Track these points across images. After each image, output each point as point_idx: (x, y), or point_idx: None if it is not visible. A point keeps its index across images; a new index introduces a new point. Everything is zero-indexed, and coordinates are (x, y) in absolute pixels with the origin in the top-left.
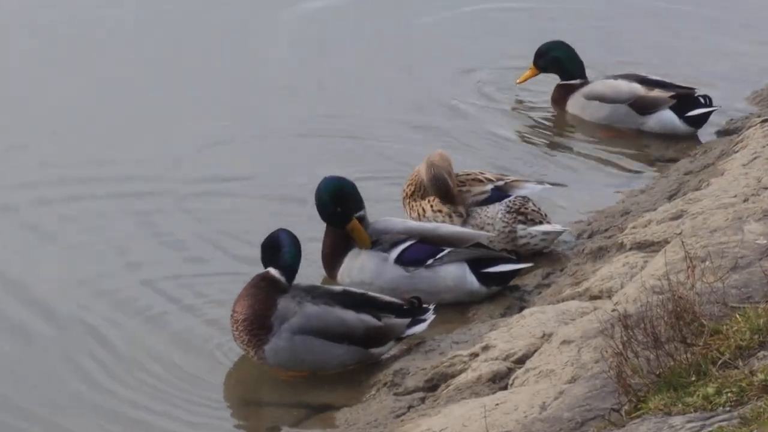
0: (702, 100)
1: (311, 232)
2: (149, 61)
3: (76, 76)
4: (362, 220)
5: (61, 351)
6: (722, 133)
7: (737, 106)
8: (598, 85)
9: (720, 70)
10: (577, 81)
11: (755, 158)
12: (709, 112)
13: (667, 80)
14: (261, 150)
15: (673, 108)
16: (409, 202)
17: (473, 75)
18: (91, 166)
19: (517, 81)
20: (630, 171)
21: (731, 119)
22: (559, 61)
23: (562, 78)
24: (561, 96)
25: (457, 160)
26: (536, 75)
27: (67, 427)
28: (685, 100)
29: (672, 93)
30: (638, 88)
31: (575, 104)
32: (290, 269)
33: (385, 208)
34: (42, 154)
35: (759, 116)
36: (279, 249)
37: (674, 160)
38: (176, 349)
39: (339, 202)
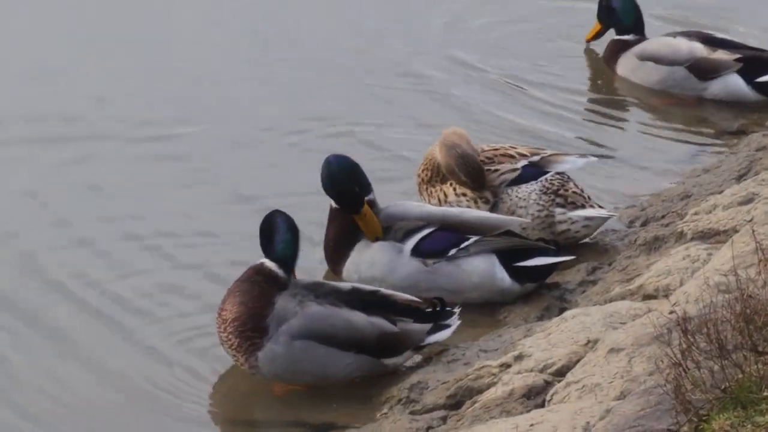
0: None
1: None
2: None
3: None
4: (372, 205)
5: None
6: None
7: None
8: (652, 42)
9: None
10: (632, 37)
11: None
12: None
13: (737, 40)
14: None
15: (740, 72)
16: (427, 188)
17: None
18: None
19: (586, 38)
20: (691, 145)
21: None
22: (614, 12)
23: (618, 32)
24: (612, 54)
25: (477, 136)
26: (602, 30)
27: None
28: (754, 63)
29: (738, 55)
30: (699, 48)
31: (626, 65)
32: (285, 261)
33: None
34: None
35: None
36: (272, 236)
37: (743, 133)
38: (145, 358)
39: (356, 182)
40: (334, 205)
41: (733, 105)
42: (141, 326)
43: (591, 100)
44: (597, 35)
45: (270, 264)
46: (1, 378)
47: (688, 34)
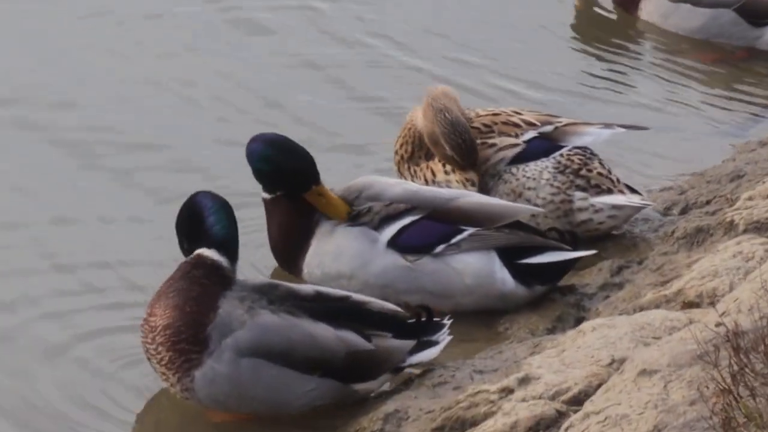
0: None
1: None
2: None
3: None
4: None
5: None
6: None
7: None
8: None
9: None
10: None
11: None
12: None
13: None
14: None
15: None
16: (409, 167)
17: None
18: None
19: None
20: (743, 113)
21: None
22: None
23: None
24: None
25: (469, 99)
26: None
27: None
28: None
29: None
30: None
31: (653, 8)
32: (227, 245)
33: None
34: None
35: None
36: (202, 219)
37: None
38: (59, 380)
39: (294, 163)
40: (267, 195)
41: None
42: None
43: (607, 57)
44: None
45: (209, 253)
46: None
47: None
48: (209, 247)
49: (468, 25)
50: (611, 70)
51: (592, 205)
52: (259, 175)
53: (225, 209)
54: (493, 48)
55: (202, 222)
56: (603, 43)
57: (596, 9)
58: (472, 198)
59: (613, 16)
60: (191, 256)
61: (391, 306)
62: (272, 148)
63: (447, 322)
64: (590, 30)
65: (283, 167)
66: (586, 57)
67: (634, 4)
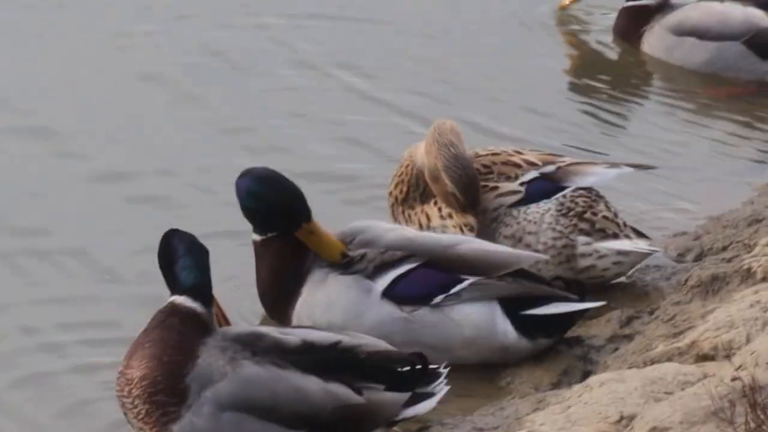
0: None
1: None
2: None
3: None
4: None
5: None
6: None
7: None
8: (691, 11)
9: None
10: (653, 1)
11: None
12: None
13: None
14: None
15: None
16: (404, 211)
17: None
18: None
19: (560, 4)
20: (760, 152)
21: None
22: None
23: None
24: (631, 26)
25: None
26: None
27: None
28: None
29: None
30: (759, 16)
31: (656, 41)
32: (195, 289)
33: None
34: None
35: None
36: (172, 263)
37: None
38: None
39: (284, 199)
40: (258, 237)
41: None
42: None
43: (610, 92)
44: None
45: (182, 299)
46: None
47: None
48: (180, 293)
49: (454, 56)
50: (615, 108)
51: (597, 251)
52: (248, 213)
53: (193, 251)
54: (492, 86)
55: (172, 266)
56: (605, 78)
57: (596, 43)
58: (472, 244)
59: (613, 51)
60: (165, 304)
61: (384, 345)
62: (262, 184)
63: (443, 371)
64: (590, 64)
65: (273, 204)
66: (587, 93)
67: (636, 36)
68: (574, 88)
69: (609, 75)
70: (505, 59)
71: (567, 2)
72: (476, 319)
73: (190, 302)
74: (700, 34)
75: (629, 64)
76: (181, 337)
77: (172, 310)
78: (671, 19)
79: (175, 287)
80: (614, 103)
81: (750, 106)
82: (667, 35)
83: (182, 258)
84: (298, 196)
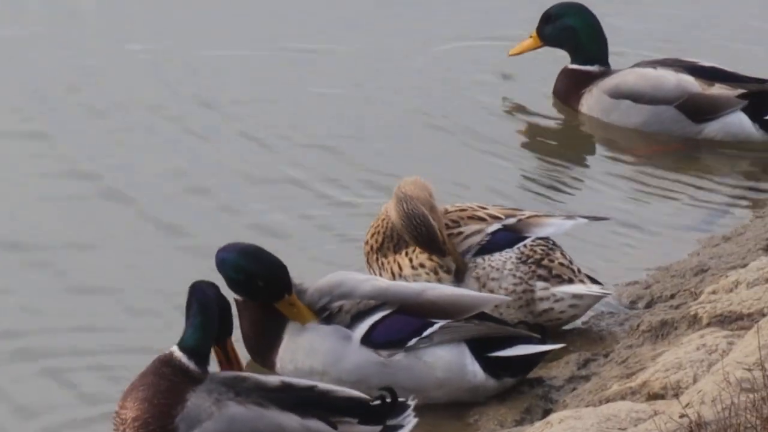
0: None
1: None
2: None
3: None
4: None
5: None
6: None
7: None
8: (628, 76)
9: None
10: (596, 68)
11: None
12: None
13: (728, 68)
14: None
15: (745, 110)
16: (378, 259)
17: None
18: None
19: (510, 52)
20: (704, 206)
21: None
22: (575, 33)
23: (574, 59)
24: (571, 88)
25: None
26: (538, 47)
27: None
28: (760, 97)
29: (742, 90)
30: (690, 83)
31: (595, 104)
32: (193, 351)
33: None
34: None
35: None
36: (187, 315)
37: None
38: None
39: (268, 274)
40: (238, 298)
41: (733, 146)
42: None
43: (556, 152)
44: (524, 51)
45: (179, 354)
46: None
47: (669, 63)
48: (180, 349)
49: (399, 127)
50: (561, 166)
51: (554, 295)
52: (232, 283)
53: (205, 310)
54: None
55: (186, 318)
56: (549, 140)
57: (535, 109)
58: (440, 290)
59: (555, 113)
60: (164, 353)
61: (356, 393)
62: (245, 258)
63: (411, 403)
64: (532, 125)
65: (256, 277)
66: (530, 155)
67: (575, 98)
68: (523, 148)
69: (552, 136)
70: (455, 127)
71: (517, 51)
72: (448, 361)
73: (185, 359)
74: (636, 97)
75: (569, 125)
76: (171, 385)
77: (168, 360)
78: (609, 82)
79: (181, 338)
80: (560, 161)
81: (683, 164)
82: (605, 98)
83: (194, 316)
84: (280, 270)
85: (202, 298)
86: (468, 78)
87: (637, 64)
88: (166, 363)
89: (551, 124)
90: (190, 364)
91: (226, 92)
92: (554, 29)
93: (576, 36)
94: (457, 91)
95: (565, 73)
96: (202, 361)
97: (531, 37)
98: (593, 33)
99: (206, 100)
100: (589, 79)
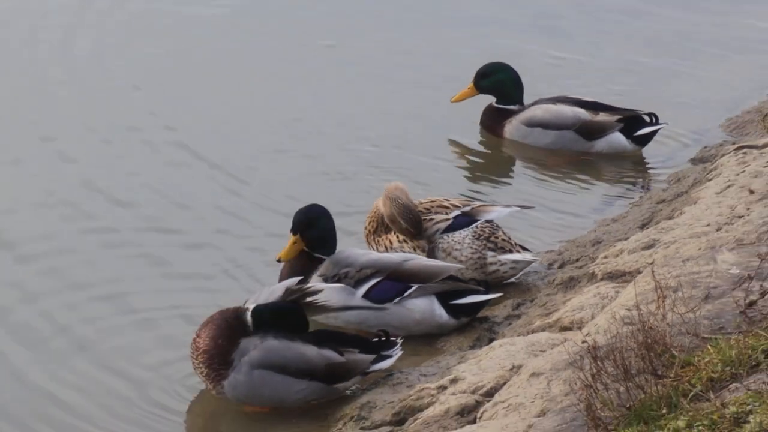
0: (648, 119)
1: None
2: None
3: None
4: (319, 260)
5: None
6: (696, 161)
7: (712, 134)
8: (536, 111)
9: (694, 97)
10: (516, 107)
11: (729, 186)
12: (657, 130)
13: (605, 102)
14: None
15: (621, 130)
16: (374, 238)
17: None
18: None
19: (453, 99)
20: (601, 197)
21: (705, 147)
22: (503, 84)
23: (499, 101)
24: (496, 121)
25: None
26: (474, 95)
27: None
28: (630, 121)
29: (619, 116)
30: (582, 113)
31: (515, 131)
32: (260, 322)
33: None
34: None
35: (733, 143)
36: (272, 301)
37: (633, 179)
38: (136, 378)
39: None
40: (283, 260)
41: (614, 157)
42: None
43: (486, 161)
44: (464, 98)
45: (248, 316)
46: None
47: (561, 100)
48: (252, 312)
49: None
50: (498, 171)
51: (499, 261)
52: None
53: (279, 311)
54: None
55: (268, 301)
56: (483, 155)
57: (469, 133)
58: (416, 261)
59: (482, 138)
60: (241, 307)
61: (356, 335)
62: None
63: (399, 341)
64: (467, 148)
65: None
66: (473, 163)
67: (499, 128)
68: (458, 164)
69: (485, 152)
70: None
71: (457, 98)
72: (422, 308)
73: (249, 322)
74: (544, 125)
75: (492, 144)
76: (232, 332)
77: (238, 314)
78: (524, 115)
79: (257, 306)
80: (494, 169)
81: (581, 169)
82: (522, 127)
83: (276, 306)
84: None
85: (282, 305)
86: (419, 107)
87: (537, 102)
88: (236, 316)
89: (482, 144)
90: (250, 326)
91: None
92: (489, 82)
93: (504, 86)
94: (419, 120)
95: (492, 110)
96: (258, 327)
97: (468, 87)
98: (516, 83)
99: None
100: (509, 114)
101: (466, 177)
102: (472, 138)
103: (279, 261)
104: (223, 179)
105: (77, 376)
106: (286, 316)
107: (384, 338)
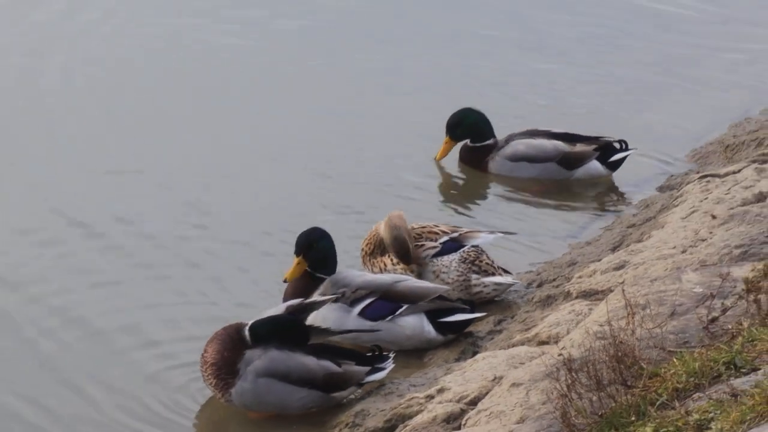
0: (618, 145)
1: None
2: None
3: None
4: (319, 280)
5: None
6: (663, 188)
7: (677, 164)
8: (519, 146)
9: (661, 129)
10: (491, 141)
11: (693, 212)
12: (627, 155)
13: (572, 131)
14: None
15: (597, 158)
16: (370, 260)
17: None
18: None
19: (437, 157)
20: (575, 222)
21: (672, 175)
22: (476, 126)
23: (474, 141)
24: (477, 158)
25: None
26: (454, 146)
27: None
28: (604, 148)
29: (595, 145)
30: (561, 145)
31: (500, 166)
32: (257, 337)
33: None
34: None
35: (697, 172)
36: (269, 315)
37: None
38: (146, 382)
39: (313, 246)
40: (287, 280)
41: (591, 182)
42: (139, 359)
43: (472, 192)
44: (447, 152)
45: (246, 332)
46: None
47: (536, 134)
48: (249, 328)
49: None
50: (482, 202)
51: (483, 283)
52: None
53: (276, 323)
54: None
55: (265, 316)
56: (469, 186)
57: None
58: (407, 283)
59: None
60: (241, 323)
61: (352, 349)
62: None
63: (391, 355)
64: (454, 179)
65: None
66: (465, 198)
67: (483, 164)
68: (456, 195)
69: (470, 185)
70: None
71: (441, 155)
72: (413, 325)
73: (247, 335)
74: (530, 159)
75: (476, 178)
76: (234, 345)
77: (238, 330)
78: (506, 151)
79: (253, 322)
80: (480, 199)
81: (560, 197)
82: (506, 162)
83: (272, 320)
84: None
85: (280, 318)
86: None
87: (511, 136)
88: (237, 331)
89: (463, 178)
90: (248, 340)
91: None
92: (462, 130)
93: (476, 128)
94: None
95: (469, 149)
96: (257, 341)
97: (446, 142)
98: (484, 121)
99: None
100: (488, 149)
101: (450, 206)
102: (453, 170)
103: (285, 281)
104: (193, 213)
105: (86, 396)
106: (284, 328)
107: (377, 352)
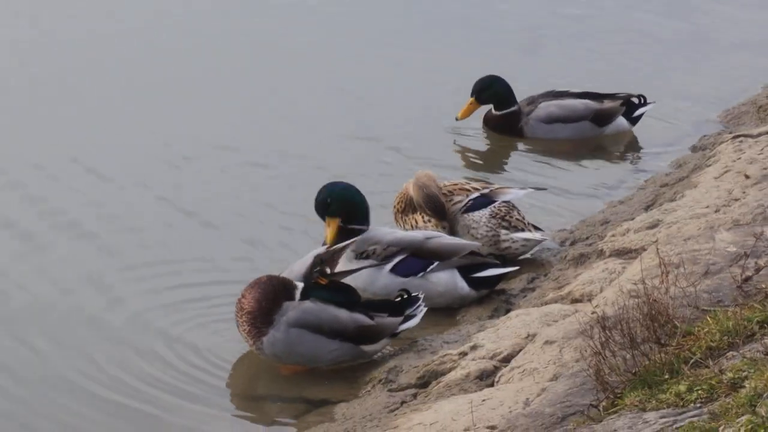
0: (637, 101)
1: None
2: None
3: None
4: (352, 233)
5: (57, 349)
6: (696, 148)
7: (710, 124)
8: (551, 108)
9: (693, 91)
10: (516, 107)
11: (726, 172)
12: (647, 109)
13: (590, 90)
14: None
15: (623, 114)
16: (402, 217)
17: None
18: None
19: (459, 116)
20: (610, 179)
21: (704, 135)
22: (500, 93)
23: (498, 108)
24: (508, 124)
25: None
26: (477, 108)
27: (73, 423)
28: (628, 105)
29: (621, 100)
30: (591, 104)
31: (536, 129)
32: (306, 291)
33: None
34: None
35: (730, 132)
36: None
37: (634, 153)
38: (178, 342)
39: (337, 205)
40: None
41: (621, 143)
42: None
43: (519, 152)
44: (470, 113)
45: (298, 289)
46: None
47: (556, 95)
48: (302, 287)
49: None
50: (521, 159)
51: (511, 238)
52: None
53: (333, 290)
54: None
55: (321, 281)
56: (505, 149)
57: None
58: (438, 240)
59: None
60: (287, 280)
61: (385, 300)
62: (328, 194)
63: (421, 296)
64: (500, 143)
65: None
66: (504, 156)
67: (516, 129)
68: (485, 162)
69: (505, 148)
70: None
71: (463, 114)
72: (445, 281)
73: (298, 293)
74: (563, 119)
75: (515, 143)
76: (276, 296)
77: (287, 285)
78: (540, 113)
79: (311, 280)
80: (518, 159)
81: (592, 154)
82: (541, 124)
83: (330, 290)
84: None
85: (337, 286)
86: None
87: (533, 99)
88: (286, 286)
89: (502, 142)
90: (298, 296)
91: None
92: (489, 94)
93: (501, 94)
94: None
95: (496, 117)
96: (304, 294)
97: (470, 103)
98: (508, 89)
99: None
100: (516, 115)
101: (481, 172)
102: (479, 137)
103: (328, 247)
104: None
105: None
106: (339, 292)
107: (406, 296)
